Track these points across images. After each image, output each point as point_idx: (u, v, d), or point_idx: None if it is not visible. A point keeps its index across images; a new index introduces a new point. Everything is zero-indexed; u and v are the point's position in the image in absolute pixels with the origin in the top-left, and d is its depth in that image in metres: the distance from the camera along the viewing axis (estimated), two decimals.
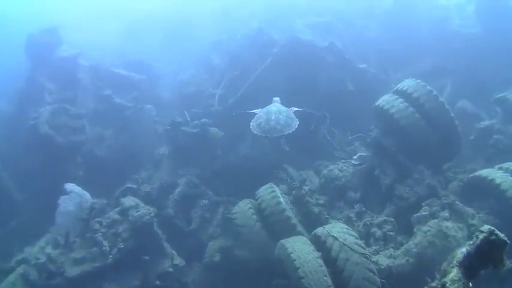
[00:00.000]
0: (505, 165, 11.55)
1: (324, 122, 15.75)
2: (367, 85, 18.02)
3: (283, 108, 13.20)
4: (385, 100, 12.95)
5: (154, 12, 29.37)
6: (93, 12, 31.26)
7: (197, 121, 16.35)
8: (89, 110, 18.11)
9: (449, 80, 18.55)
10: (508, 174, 11.01)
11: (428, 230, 10.48)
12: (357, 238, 10.08)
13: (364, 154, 14.03)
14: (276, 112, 12.91)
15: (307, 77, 16.71)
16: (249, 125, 13.91)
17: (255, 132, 12.96)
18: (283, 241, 10.44)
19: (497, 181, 10.79)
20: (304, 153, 15.76)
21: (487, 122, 14.95)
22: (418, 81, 12.66)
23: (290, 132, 12.64)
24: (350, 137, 15.99)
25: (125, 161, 17.38)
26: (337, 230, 10.15)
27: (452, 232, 10.33)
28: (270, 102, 14.21)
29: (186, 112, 17.11)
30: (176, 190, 15.08)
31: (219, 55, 21.61)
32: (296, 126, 12.75)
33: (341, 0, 25.24)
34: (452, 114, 12.28)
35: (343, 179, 13.31)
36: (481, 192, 11.44)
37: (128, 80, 20.24)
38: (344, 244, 9.67)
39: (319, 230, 10.37)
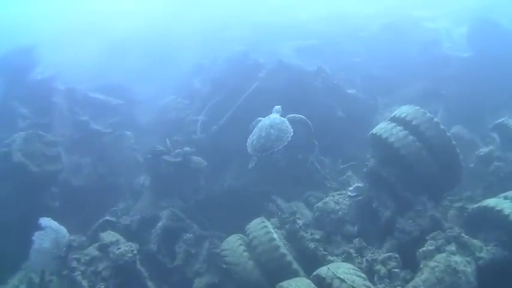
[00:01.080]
0: (510, 193, 10.84)
1: (313, 150, 15.31)
2: (356, 111, 17.66)
3: (277, 120, 13.11)
4: (383, 128, 12.29)
5: (134, 34, 28.91)
6: (70, 31, 30.62)
7: (179, 150, 15.74)
8: (65, 136, 17.50)
9: (441, 105, 18.13)
10: None
11: (436, 266, 9.69)
12: (365, 280, 9.37)
13: (360, 185, 13.33)
14: (268, 127, 12.84)
15: (295, 103, 15.86)
16: (233, 154, 14.82)
17: (248, 150, 13.03)
18: (283, 284, 9.64)
19: (506, 212, 10.08)
20: (292, 183, 15.18)
21: (486, 149, 14.40)
22: (417, 107, 12.06)
23: (280, 147, 12.59)
24: (341, 166, 15.42)
25: (103, 192, 16.81)
26: (343, 271, 9.38)
27: (462, 267, 9.60)
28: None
29: (167, 140, 16.31)
30: (158, 224, 14.29)
31: (201, 79, 21.33)
32: (289, 139, 12.69)
33: (327, 24, 25.33)
34: (454, 142, 11.67)
35: (339, 212, 12.53)
36: (487, 223, 10.77)
37: (105, 104, 19.85)
38: (353, 287, 8.89)
39: (322, 271, 9.54)
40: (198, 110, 19.00)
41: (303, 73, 17.48)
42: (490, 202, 10.71)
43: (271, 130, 12.69)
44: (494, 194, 11.35)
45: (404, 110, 12.26)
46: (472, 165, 14.23)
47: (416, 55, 21.41)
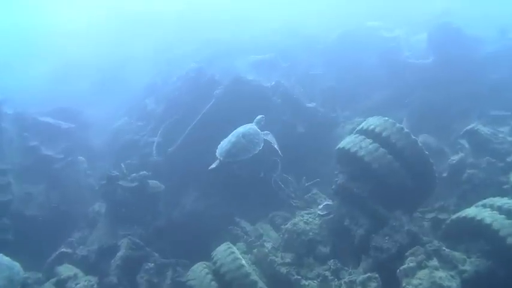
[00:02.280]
0: (489, 201, 10.48)
1: (275, 169, 14.89)
2: (317, 126, 17.28)
3: (252, 131, 13.11)
4: (351, 142, 11.75)
5: (85, 55, 28.22)
6: (18, 52, 29.87)
7: (135, 174, 15.23)
8: (15, 164, 16.88)
9: (405, 114, 17.72)
10: (496, 212, 9.91)
11: (420, 284, 9.18)
12: None
13: (330, 203, 12.78)
14: (240, 134, 12.87)
15: (252, 120, 15.23)
16: (192, 176, 14.69)
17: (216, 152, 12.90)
18: None
19: (487, 221, 9.68)
20: (256, 203, 14.63)
21: (457, 157, 14.05)
22: (385, 118, 11.60)
23: (244, 158, 12.63)
24: (306, 184, 14.93)
25: (58, 221, 16.22)
26: None
27: (447, 282, 9.12)
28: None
29: (122, 164, 15.92)
30: (118, 254, 13.53)
31: (155, 99, 20.94)
32: (255, 152, 12.71)
33: (282, 36, 25.11)
34: (427, 152, 11.26)
35: (310, 233, 11.97)
36: (467, 234, 10.35)
37: (56, 129, 19.14)
38: None
39: None
40: (153, 132, 18.56)
41: (260, 88, 16.95)
42: (470, 212, 10.33)
43: (242, 139, 12.65)
44: (469, 202, 11.24)
45: (372, 122, 11.77)
46: (444, 174, 13.84)
47: (376, 64, 21.05)
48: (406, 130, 11.21)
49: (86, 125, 21.08)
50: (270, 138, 13.84)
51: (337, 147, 12.13)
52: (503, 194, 11.11)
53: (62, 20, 35.05)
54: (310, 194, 14.38)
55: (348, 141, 11.83)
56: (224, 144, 13.08)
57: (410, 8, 28.21)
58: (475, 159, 13.59)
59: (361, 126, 12.09)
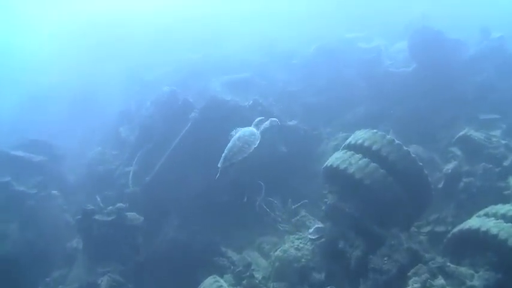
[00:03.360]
0: (491, 210, 9.96)
1: (259, 192, 14.41)
2: (300, 144, 16.74)
3: (247, 132, 12.51)
4: (339, 158, 11.09)
5: (56, 84, 27.91)
6: None
7: (111, 207, 14.63)
8: None
9: (390, 126, 17.13)
10: (501, 221, 9.40)
11: None
12: None
13: (320, 225, 12.17)
14: (235, 138, 12.35)
15: None
16: (171, 205, 14.57)
17: None
18: None
19: (493, 231, 9.13)
20: (241, 229, 14.46)
21: (451, 165, 13.58)
22: (374, 131, 11.05)
23: (240, 158, 11.95)
24: (293, 206, 14.26)
25: (34, 260, 15.58)
26: None
27: None
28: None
29: (97, 197, 15.54)
30: None
31: (128, 126, 20.40)
32: (250, 151, 12.04)
33: (257, 54, 24.85)
34: (421, 164, 10.68)
35: (302, 260, 11.49)
36: (471, 247, 9.79)
37: (28, 162, 18.52)
38: None
39: None
40: (129, 160, 17.94)
41: (238, 108, 16.41)
42: (473, 223, 9.79)
43: (237, 142, 12.17)
44: (468, 212, 11.00)
45: (360, 136, 11.17)
46: (440, 185, 13.36)
47: (356, 77, 20.66)
48: (397, 142, 10.64)
49: (59, 157, 20.40)
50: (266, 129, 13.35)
51: (325, 165, 11.51)
52: (504, 200, 10.83)
53: (31, 46, 34.83)
54: (298, 217, 13.80)
55: (336, 158, 11.19)
56: (225, 151, 12.37)
57: (388, 16, 28.19)
58: (470, 167, 13.21)
59: (348, 141, 11.52)
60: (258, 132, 12.64)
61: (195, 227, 14.75)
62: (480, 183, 12.66)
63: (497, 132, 14.68)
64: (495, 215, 9.66)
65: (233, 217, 14.51)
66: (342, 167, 10.73)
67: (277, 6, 32.89)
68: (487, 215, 9.88)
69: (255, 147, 12.17)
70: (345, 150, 11.24)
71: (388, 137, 10.69)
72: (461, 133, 13.78)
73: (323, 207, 11.75)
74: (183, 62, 24.79)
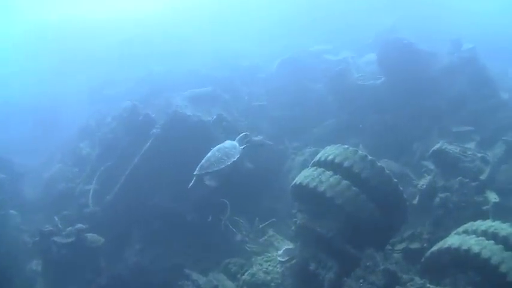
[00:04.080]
0: (470, 226, 9.71)
1: (224, 211, 14.04)
2: (266, 160, 16.39)
3: (228, 145, 12.82)
4: (308, 176, 10.57)
5: (17, 99, 27.80)
6: None
7: (71, 227, 14.22)
8: None
9: (360, 140, 16.96)
10: (482, 238, 9.10)
11: None
12: None
13: (290, 247, 11.65)
14: (215, 149, 12.59)
15: (196, 158, 14.08)
16: (134, 225, 14.31)
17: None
18: None
19: (475, 250, 8.83)
20: (206, 250, 14.12)
21: (426, 181, 13.35)
22: (345, 146, 10.59)
23: (217, 169, 12.13)
24: (260, 225, 13.82)
25: None
26: None
27: None
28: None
29: (56, 218, 15.43)
30: None
31: (90, 143, 20.09)
32: (228, 163, 12.26)
33: (221, 67, 24.56)
34: (396, 180, 10.29)
35: (272, 284, 11.16)
36: (453, 266, 9.43)
37: None
38: None
39: None
40: (89, 178, 17.48)
41: (201, 124, 16.14)
42: (453, 242, 9.47)
43: (216, 152, 12.40)
44: (446, 229, 10.95)
45: (330, 152, 10.70)
46: (415, 201, 13.09)
47: (323, 90, 20.29)
48: (370, 157, 10.20)
49: (18, 175, 19.86)
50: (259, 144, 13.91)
51: (293, 183, 11.01)
52: (482, 215, 10.65)
53: None
54: (266, 237, 13.43)
55: (305, 176, 10.68)
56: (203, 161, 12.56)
57: (356, 28, 28.10)
58: (445, 181, 12.75)
59: (318, 157, 11.02)
60: (240, 147, 12.83)
61: (158, 249, 14.42)
62: (457, 198, 12.22)
63: (472, 145, 14.51)
64: (475, 232, 9.40)
65: (198, 238, 14.24)
66: (312, 185, 10.24)
67: (241, 20, 32.87)
68: (466, 232, 9.61)
69: (233, 161, 12.29)
70: (315, 167, 10.76)
71: (360, 152, 10.28)
72: (435, 147, 13.36)
73: (292, 227, 11.29)
74: (146, 76, 24.43)
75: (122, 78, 25.53)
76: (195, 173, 12.14)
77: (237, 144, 13.00)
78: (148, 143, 15.68)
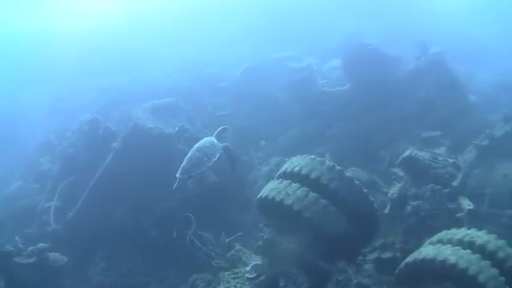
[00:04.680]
0: (445, 235, 9.43)
1: (189, 226, 13.83)
2: (230, 171, 15.40)
3: (207, 144, 11.99)
4: (274, 189, 10.32)
5: None
6: None
7: (32, 247, 13.56)
8: None
9: (327, 148, 16.84)
10: (458, 247, 8.87)
11: None
12: None
13: (258, 262, 11.32)
14: (195, 149, 11.87)
15: (158, 172, 14.41)
16: (97, 243, 13.96)
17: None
18: None
19: (452, 260, 8.56)
20: (172, 267, 13.85)
21: (396, 189, 12.89)
22: (312, 156, 10.37)
23: (199, 172, 11.48)
24: (226, 239, 13.40)
25: None
26: None
27: None
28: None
29: (16, 237, 14.68)
30: None
31: (50, 157, 19.68)
32: (209, 164, 11.52)
33: (182, 77, 24.18)
34: (366, 190, 10.10)
35: None
36: (429, 277, 9.18)
37: None
38: None
39: None
40: (51, 195, 17.02)
41: (163, 136, 15.80)
42: (428, 252, 9.18)
43: (197, 153, 11.69)
44: (418, 238, 10.73)
45: (296, 163, 10.48)
46: (386, 210, 12.62)
47: (288, 97, 20.17)
48: (338, 168, 9.98)
49: None
50: (226, 150, 12.74)
51: (259, 196, 10.75)
52: (456, 223, 10.65)
53: None
54: (233, 252, 12.95)
55: (271, 189, 10.43)
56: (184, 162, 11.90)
57: (318, 34, 28.02)
58: (417, 189, 12.44)
59: (284, 168, 10.81)
60: (220, 144, 12.23)
61: (123, 267, 14.13)
62: (429, 206, 11.91)
63: (442, 150, 14.24)
64: (451, 241, 9.16)
65: (163, 254, 13.93)
66: (278, 198, 9.98)
67: (202, 28, 32.77)
68: (441, 241, 9.35)
69: (214, 160, 11.72)
70: (281, 179, 10.52)
71: (328, 163, 10.04)
72: (405, 154, 13.09)
73: (260, 243, 10.93)
74: (107, 86, 23.90)
75: (83, 89, 24.91)
76: (177, 176, 11.55)
77: (216, 141, 12.36)
78: (109, 158, 15.39)
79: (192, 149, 11.90)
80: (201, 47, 28.96)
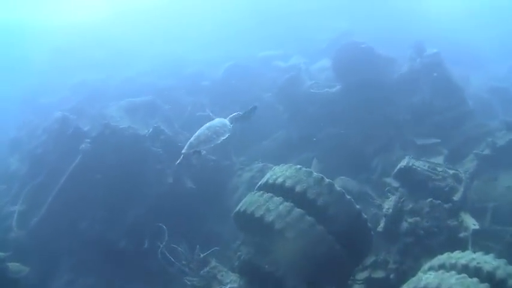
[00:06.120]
0: (447, 259, 8.24)
1: (162, 237, 12.70)
2: (209, 177, 15.55)
3: (217, 123, 11.16)
4: (253, 202, 9.29)
5: None
6: None
7: None
8: None
9: (314, 155, 16.01)
10: (464, 275, 7.74)
11: None
12: None
13: (234, 285, 10.16)
14: (206, 127, 11.02)
15: (130, 176, 14.04)
16: (63, 252, 13.28)
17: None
18: None
19: None
20: (142, 282, 12.93)
21: (391, 203, 11.74)
22: (297, 166, 9.37)
23: (206, 147, 10.72)
24: (201, 254, 12.17)
25: None
26: None
27: None
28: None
29: None
30: None
31: (19, 157, 18.77)
32: (217, 142, 10.69)
33: (162, 75, 23.68)
34: (358, 207, 9.01)
35: None
36: None
37: None
38: None
39: None
40: (16, 198, 16.02)
41: (136, 138, 14.94)
42: (430, 281, 8.04)
43: (206, 131, 10.89)
44: (415, 259, 10.18)
45: (280, 173, 9.50)
46: (380, 228, 11.51)
47: (274, 98, 19.30)
48: (327, 180, 8.95)
49: None
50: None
51: (236, 210, 9.75)
52: (458, 243, 9.98)
53: None
54: (207, 269, 11.84)
55: (250, 202, 9.40)
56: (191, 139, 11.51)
57: (308, 33, 27.58)
58: (414, 204, 11.45)
59: (265, 179, 9.82)
60: (231, 125, 11.58)
61: (89, 279, 13.24)
62: (428, 223, 10.94)
63: (440, 159, 13.36)
64: (454, 267, 8.04)
65: (132, 267, 13.03)
66: (258, 214, 8.96)
67: (184, 25, 32.38)
68: (444, 267, 8.22)
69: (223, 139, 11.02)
70: (262, 192, 9.48)
71: (315, 174, 9.01)
72: (402, 164, 12.13)
73: (236, 263, 9.89)
74: (84, 83, 23.24)
75: (59, 84, 24.51)
76: (183, 151, 10.76)
77: (228, 123, 11.64)
78: (77, 160, 14.37)
79: (202, 128, 11.11)
80: (187, 45, 28.53)
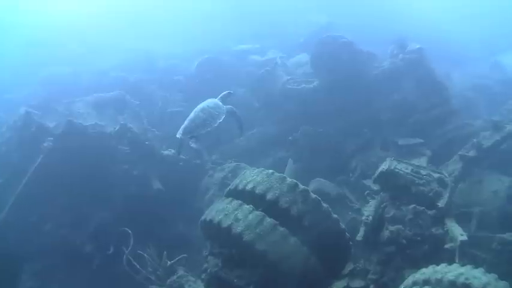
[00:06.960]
0: (433, 274, 7.37)
1: (127, 242, 12.46)
2: (178, 178, 15.11)
3: (211, 104, 11.80)
4: (222, 211, 8.57)
5: None
6: None
7: None
8: None
9: (290, 155, 15.38)
10: None
11: None
12: None
13: None
14: (199, 110, 11.57)
15: (95, 177, 13.43)
16: (26, 259, 12.76)
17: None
18: None
19: None
20: None
21: (371, 209, 10.99)
22: (269, 171, 8.70)
23: (203, 132, 11.20)
24: (169, 262, 11.77)
25: None
26: None
27: None
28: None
29: None
30: None
31: None
32: (213, 126, 11.33)
33: (132, 69, 22.99)
34: (336, 216, 8.49)
35: None
36: None
37: None
38: None
39: None
40: None
41: (101, 136, 14.34)
42: None
43: (200, 114, 11.42)
44: (397, 269, 9.40)
45: (250, 178, 8.82)
46: (359, 237, 10.62)
47: (247, 94, 18.79)
48: (301, 187, 8.35)
49: None
50: (232, 112, 12.68)
51: (203, 218, 9.10)
52: (442, 253, 9.16)
53: None
54: (175, 278, 11.43)
55: (218, 210, 8.71)
56: (185, 122, 11.54)
57: (285, 27, 27.23)
58: (396, 210, 10.56)
59: (234, 185, 9.14)
60: (224, 106, 12.09)
61: (53, 287, 12.68)
62: (410, 232, 10.08)
63: (423, 161, 12.70)
64: (440, 283, 7.25)
65: (98, 273, 12.57)
66: (225, 223, 8.26)
67: (156, 18, 31.98)
68: (428, 282, 7.43)
69: (220, 122, 11.56)
70: (230, 199, 8.79)
71: (289, 180, 8.38)
72: (383, 167, 11.10)
73: (203, 276, 9.16)
74: (52, 78, 22.49)
75: (27, 79, 23.76)
76: (178, 136, 11.13)
77: (221, 103, 12.10)
78: (39, 160, 13.64)
79: (195, 110, 11.51)
80: (162, 39, 27.87)
